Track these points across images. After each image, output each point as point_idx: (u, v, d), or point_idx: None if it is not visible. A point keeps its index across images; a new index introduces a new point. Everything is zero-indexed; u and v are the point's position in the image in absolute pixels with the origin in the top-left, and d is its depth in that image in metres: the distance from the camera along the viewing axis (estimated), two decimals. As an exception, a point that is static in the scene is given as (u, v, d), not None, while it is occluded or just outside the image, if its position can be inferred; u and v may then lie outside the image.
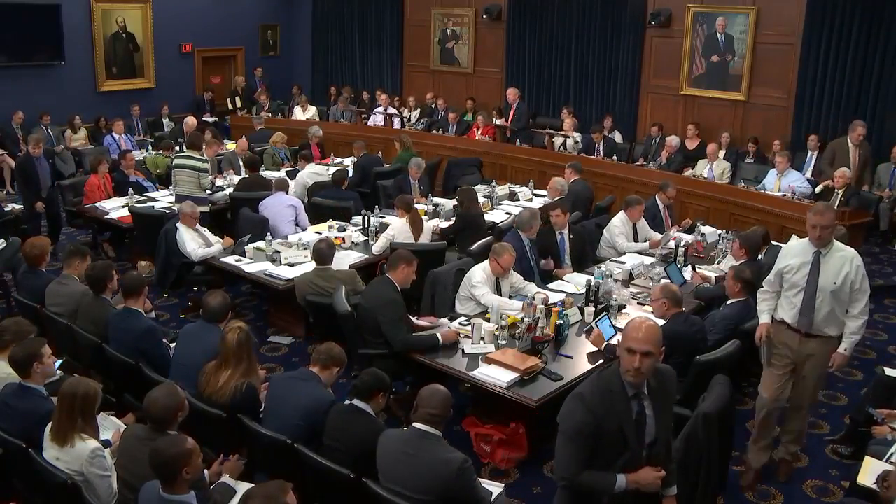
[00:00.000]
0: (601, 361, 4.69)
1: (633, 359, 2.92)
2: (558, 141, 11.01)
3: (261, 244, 6.62)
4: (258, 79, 14.37)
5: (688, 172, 9.79)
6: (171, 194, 8.24)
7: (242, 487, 3.47)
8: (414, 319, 5.20)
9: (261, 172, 8.77)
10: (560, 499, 3.18)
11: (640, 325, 3.00)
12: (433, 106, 12.98)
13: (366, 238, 7.11)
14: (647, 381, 3.01)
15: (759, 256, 6.16)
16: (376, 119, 12.69)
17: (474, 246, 6.67)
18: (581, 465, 3.00)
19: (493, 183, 9.21)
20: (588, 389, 3.03)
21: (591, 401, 2.97)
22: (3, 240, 6.76)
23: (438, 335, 4.91)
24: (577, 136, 10.88)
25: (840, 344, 4.33)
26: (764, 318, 4.50)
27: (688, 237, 7.15)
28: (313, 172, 8.83)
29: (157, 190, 8.74)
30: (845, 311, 4.29)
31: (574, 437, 2.99)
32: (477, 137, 11.36)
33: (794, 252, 4.39)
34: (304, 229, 7.41)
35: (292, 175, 9.12)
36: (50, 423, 3.54)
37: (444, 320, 5.31)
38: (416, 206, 7.32)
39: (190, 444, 3.07)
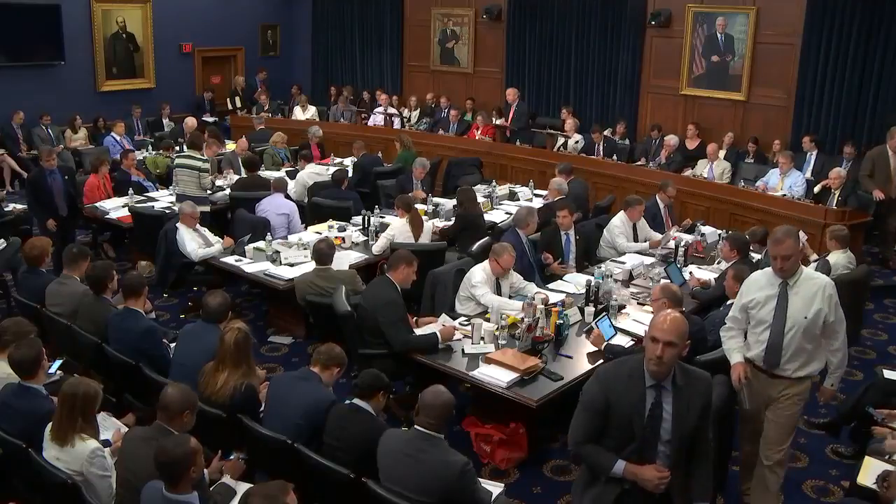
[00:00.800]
0: (601, 361, 4.69)
1: (656, 347, 2.96)
2: (560, 141, 11.01)
3: (261, 244, 6.62)
4: (260, 80, 14.34)
5: (688, 172, 9.79)
6: (171, 194, 8.25)
7: (242, 488, 3.47)
8: (414, 325, 5.19)
9: (260, 172, 8.76)
10: (578, 475, 3.30)
11: (667, 315, 3.08)
12: (433, 106, 12.97)
13: (366, 238, 7.10)
14: (673, 377, 3.02)
15: (759, 256, 6.17)
16: (376, 119, 12.69)
17: (474, 246, 6.67)
18: (586, 436, 3.11)
19: (493, 183, 9.21)
20: (609, 369, 3.18)
21: (607, 380, 3.09)
22: (2, 240, 6.77)
23: (437, 333, 4.91)
24: (578, 136, 10.88)
25: (826, 379, 4.05)
26: (736, 358, 4.03)
27: (688, 237, 7.15)
28: (313, 172, 8.83)
29: (157, 190, 8.74)
30: (818, 345, 3.90)
31: (584, 409, 3.12)
32: (477, 137, 11.37)
33: (758, 284, 3.97)
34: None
35: (292, 175, 9.12)
36: (50, 423, 3.54)
37: (444, 316, 5.30)
38: (418, 205, 7.32)
39: (194, 444, 3.08)
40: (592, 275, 5.90)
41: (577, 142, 10.83)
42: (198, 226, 6.79)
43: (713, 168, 9.69)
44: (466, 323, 5.13)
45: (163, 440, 3.10)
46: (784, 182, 8.76)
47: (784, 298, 3.85)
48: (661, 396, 3.02)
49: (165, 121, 12.78)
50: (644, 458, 3.04)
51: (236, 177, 8.95)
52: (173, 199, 8.02)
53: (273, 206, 7.41)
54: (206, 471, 3.48)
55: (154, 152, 10.40)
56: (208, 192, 8.10)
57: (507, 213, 8.19)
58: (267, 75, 14.49)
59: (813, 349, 3.90)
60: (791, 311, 3.83)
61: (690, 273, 6.29)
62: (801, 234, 6.87)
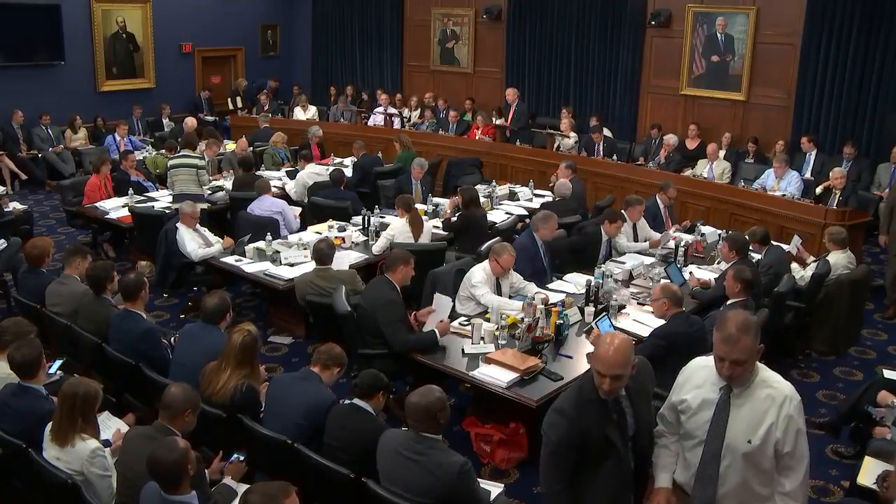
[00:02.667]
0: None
1: (604, 381, 2.91)
2: (561, 140, 10.99)
3: (261, 244, 6.62)
4: (269, 87, 14.26)
5: (688, 172, 9.79)
6: (170, 194, 8.24)
7: (243, 489, 3.46)
8: (414, 321, 5.20)
9: (261, 172, 8.76)
10: None
11: (609, 345, 2.91)
12: (434, 105, 12.95)
13: (366, 238, 7.11)
14: None
15: (759, 256, 6.18)
16: (376, 119, 12.69)
17: (483, 247, 6.65)
18: (564, 478, 3.00)
19: (493, 183, 9.21)
20: (569, 403, 3.02)
21: (573, 414, 2.96)
22: (3, 240, 6.77)
23: (436, 331, 4.91)
24: (574, 136, 10.88)
25: None
26: (661, 480, 3.09)
27: (688, 237, 7.15)
28: (313, 172, 8.82)
29: (157, 190, 8.75)
30: (769, 482, 2.84)
31: (558, 451, 2.98)
32: (477, 137, 11.37)
33: (694, 380, 2.97)
34: (292, 232, 7.37)
35: (292, 175, 9.13)
36: (50, 423, 3.54)
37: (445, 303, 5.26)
38: (417, 205, 7.32)
39: (184, 444, 3.08)
40: (592, 275, 5.90)
41: (576, 142, 10.83)
42: (198, 226, 6.79)
43: (713, 168, 9.69)
44: (466, 323, 5.13)
45: (153, 450, 3.05)
46: (780, 184, 8.78)
47: (723, 411, 2.82)
48: (622, 405, 3.04)
49: (165, 121, 12.79)
50: (621, 461, 3.04)
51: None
52: (171, 200, 8.03)
53: (262, 208, 7.40)
54: (206, 471, 3.48)
55: (155, 152, 10.41)
56: (207, 191, 8.12)
57: (507, 213, 8.20)
58: (278, 85, 14.45)
59: (764, 484, 2.85)
60: (731, 430, 2.81)
61: (690, 273, 6.28)
62: (797, 237, 6.87)
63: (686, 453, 2.99)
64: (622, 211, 7.13)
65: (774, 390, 2.80)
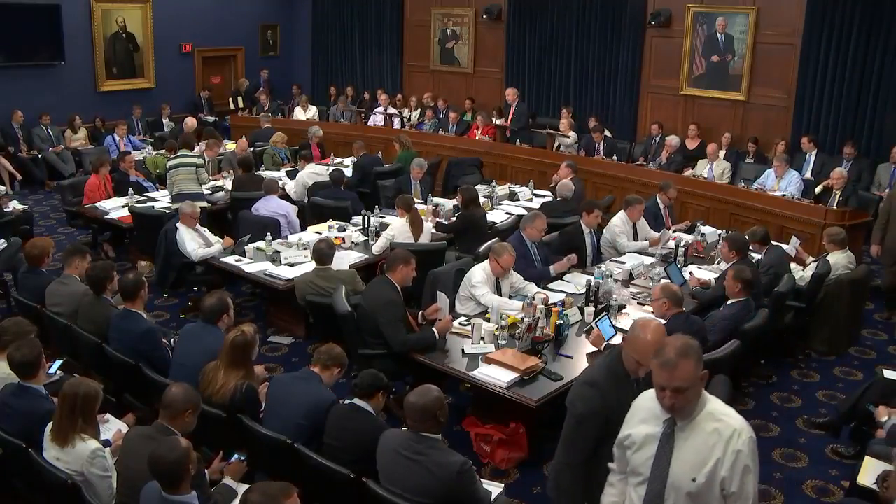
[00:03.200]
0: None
1: (640, 368, 3.07)
2: (561, 140, 11.00)
3: (261, 244, 6.62)
4: (263, 80, 14.33)
5: (688, 172, 9.79)
6: (170, 195, 8.25)
7: (243, 489, 3.46)
8: (420, 317, 5.21)
9: (261, 172, 8.76)
10: (562, 478, 3.21)
11: (647, 333, 3.06)
12: (434, 105, 12.95)
13: (366, 238, 7.11)
14: None
15: (759, 256, 6.18)
16: (376, 119, 12.69)
17: (482, 247, 6.65)
18: (585, 451, 3.09)
19: (493, 183, 9.21)
20: (601, 377, 3.15)
21: (605, 388, 3.09)
22: (3, 240, 6.77)
23: (435, 331, 4.91)
24: (573, 135, 10.88)
25: None
26: None
27: (688, 237, 7.15)
28: (313, 172, 8.83)
29: (157, 190, 8.75)
30: None
31: (585, 422, 3.07)
32: (477, 137, 11.37)
33: (640, 414, 2.73)
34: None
35: (292, 175, 9.14)
36: (50, 424, 3.54)
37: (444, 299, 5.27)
38: (418, 205, 7.32)
39: (185, 444, 3.08)
40: (592, 275, 5.90)
41: (575, 141, 10.83)
42: (198, 226, 6.79)
43: (713, 168, 9.69)
44: (466, 323, 5.13)
45: (155, 448, 3.05)
46: (780, 184, 8.78)
47: (667, 446, 2.60)
48: (641, 386, 3.12)
49: (165, 121, 12.80)
50: None
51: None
52: (170, 201, 8.04)
53: (268, 209, 7.41)
54: (206, 471, 3.48)
55: (154, 152, 10.41)
56: (206, 190, 8.13)
57: (507, 213, 8.20)
58: (269, 74, 14.51)
59: None
60: (675, 467, 2.58)
61: (690, 273, 6.28)
62: (794, 239, 6.87)
63: (631, 492, 2.74)
64: (622, 210, 7.14)
65: (722, 424, 2.55)
